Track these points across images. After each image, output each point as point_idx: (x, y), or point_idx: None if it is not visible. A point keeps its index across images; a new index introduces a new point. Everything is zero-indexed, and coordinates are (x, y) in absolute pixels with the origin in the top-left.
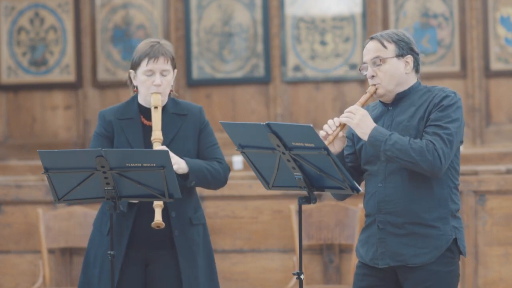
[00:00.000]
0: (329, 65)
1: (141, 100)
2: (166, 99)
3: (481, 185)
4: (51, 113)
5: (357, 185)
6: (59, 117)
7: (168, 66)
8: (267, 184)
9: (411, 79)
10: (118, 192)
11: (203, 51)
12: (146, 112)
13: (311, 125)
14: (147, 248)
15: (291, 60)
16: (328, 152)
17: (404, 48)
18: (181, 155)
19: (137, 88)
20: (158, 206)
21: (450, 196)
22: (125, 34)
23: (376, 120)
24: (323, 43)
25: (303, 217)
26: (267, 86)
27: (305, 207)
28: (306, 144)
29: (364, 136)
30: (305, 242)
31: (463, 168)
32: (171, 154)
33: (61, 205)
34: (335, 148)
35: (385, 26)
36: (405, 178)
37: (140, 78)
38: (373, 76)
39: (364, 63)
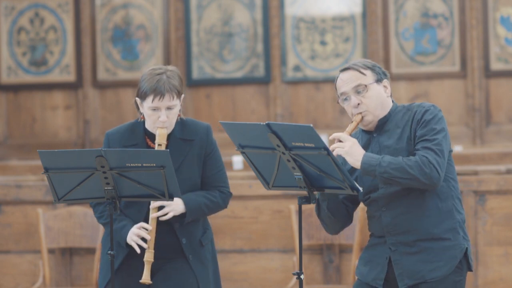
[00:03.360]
0: (329, 65)
1: (147, 125)
2: (173, 127)
3: (481, 185)
4: (51, 113)
5: (357, 185)
6: (59, 117)
7: (174, 102)
8: (267, 184)
9: (389, 103)
10: (118, 192)
11: (203, 51)
12: (152, 136)
13: (311, 125)
14: (157, 260)
15: (291, 60)
16: (328, 152)
17: (380, 73)
18: (186, 181)
19: (143, 115)
20: (147, 262)
21: (455, 207)
22: (125, 34)
23: (364, 148)
24: (323, 43)
25: (303, 217)
26: (267, 86)
27: (305, 207)
28: (306, 144)
29: (356, 164)
30: (305, 242)
31: (463, 168)
32: (167, 202)
33: (61, 205)
34: None
35: (385, 26)
36: (406, 199)
37: (146, 111)
38: (358, 104)
39: (343, 94)
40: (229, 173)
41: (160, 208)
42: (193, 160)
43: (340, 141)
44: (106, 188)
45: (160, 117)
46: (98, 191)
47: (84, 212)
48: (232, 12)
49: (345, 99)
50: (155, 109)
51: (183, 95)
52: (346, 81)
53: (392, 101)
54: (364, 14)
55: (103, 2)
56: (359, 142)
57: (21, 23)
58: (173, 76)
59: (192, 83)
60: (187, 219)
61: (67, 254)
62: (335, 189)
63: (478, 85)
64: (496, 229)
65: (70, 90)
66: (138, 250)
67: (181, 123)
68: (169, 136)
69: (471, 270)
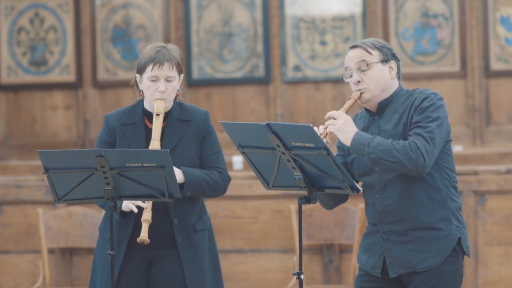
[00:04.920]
0: (329, 65)
1: (146, 104)
2: (171, 105)
3: (481, 185)
4: (51, 113)
5: (357, 185)
6: (59, 117)
7: (174, 73)
8: (267, 184)
9: (394, 85)
10: (118, 192)
11: (203, 51)
12: (151, 116)
13: (311, 125)
14: (148, 248)
15: (291, 60)
16: (328, 152)
17: (388, 54)
18: (183, 162)
19: (143, 92)
20: (145, 221)
21: (448, 195)
22: (125, 34)
23: (364, 130)
24: (323, 43)
25: (303, 217)
26: (267, 86)
27: (305, 207)
28: (306, 144)
29: (347, 141)
30: (305, 242)
31: (463, 168)
32: None
33: (61, 205)
34: None
35: (385, 26)
36: (401, 186)
37: (145, 83)
38: (358, 81)
39: (347, 70)
40: (229, 173)
41: None
42: (190, 141)
43: (334, 119)
44: (106, 188)
45: (159, 87)
46: (98, 191)
47: (84, 212)
48: (232, 12)
49: (349, 76)
50: (154, 79)
51: (182, 75)
52: (351, 58)
53: (400, 84)
54: (364, 14)
55: (103, 2)
56: (361, 123)
57: (21, 23)
58: (173, 50)
59: (192, 83)
60: (185, 192)
61: (67, 254)
62: (335, 189)
63: (478, 85)
64: (496, 229)
65: (70, 90)
66: (136, 210)
67: (180, 105)
68: (167, 116)
69: (467, 255)
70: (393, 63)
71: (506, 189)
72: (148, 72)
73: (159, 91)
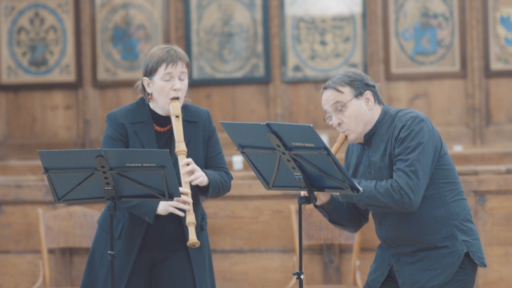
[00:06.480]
0: (329, 65)
1: (155, 107)
2: (183, 101)
3: (481, 185)
4: (51, 113)
5: (357, 185)
6: (59, 117)
7: (186, 70)
8: (267, 184)
9: (376, 114)
10: (118, 192)
11: (203, 51)
12: (157, 118)
13: (311, 125)
14: (157, 251)
15: (291, 60)
16: (328, 152)
17: (360, 87)
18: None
19: (151, 95)
20: (191, 224)
21: (450, 212)
22: (125, 34)
23: (358, 161)
24: (323, 43)
25: (303, 217)
26: (267, 86)
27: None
28: (306, 144)
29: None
30: (305, 242)
31: (463, 168)
32: (196, 167)
33: (61, 205)
34: (321, 199)
35: (385, 26)
36: (398, 214)
37: (157, 84)
38: (339, 123)
39: (326, 112)
40: None
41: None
42: (198, 142)
43: None
44: (106, 188)
45: (175, 85)
46: (98, 191)
47: (84, 212)
48: (232, 12)
49: (328, 118)
50: (168, 79)
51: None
52: (326, 100)
53: (383, 108)
54: (364, 14)
55: (103, 2)
56: (354, 154)
57: (21, 23)
58: (181, 50)
59: (192, 83)
60: (209, 194)
61: (67, 254)
62: (335, 189)
63: (478, 85)
64: (496, 229)
65: (70, 90)
66: (182, 214)
67: (184, 106)
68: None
69: (481, 266)
70: (368, 93)
71: (506, 189)
72: (161, 71)
73: (174, 88)
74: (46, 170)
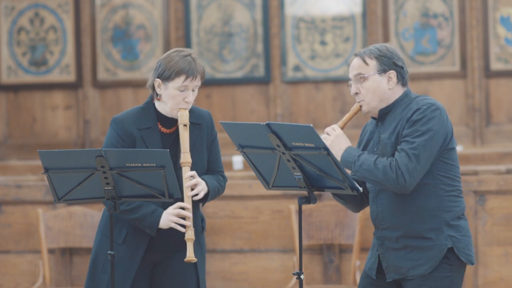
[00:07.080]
0: (329, 65)
1: (160, 108)
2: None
3: (481, 185)
4: (51, 113)
5: (357, 185)
6: (59, 117)
7: (200, 83)
8: (267, 184)
9: (396, 94)
10: (118, 192)
11: (203, 51)
12: (164, 120)
13: (311, 125)
14: (159, 252)
15: (291, 60)
16: (328, 152)
17: (386, 64)
18: (197, 165)
19: (160, 96)
20: (190, 240)
21: (442, 205)
22: (125, 34)
23: (371, 136)
24: (323, 43)
25: (303, 217)
26: (267, 86)
27: (305, 207)
28: (306, 144)
29: (337, 157)
30: (305, 242)
31: (463, 168)
32: (199, 180)
33: (61, 205)
34: None
35: (385, 26)
36: (392, 194)
37: (171, 91)
38: (356, 93)
39: (349, 79)
40: (229, 173)
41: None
42: (202, 144)
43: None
44: (106, 188)
45: (188, 98)
46: (98, 191)
47: (84, 212)
48: (232, 12)
49: (350, 85)
50: (183, 89)
51: None
52: (351, 67)
53: (406, 90)
54: (364, 14)
55: (103, 2)
56: (368, 131)
57: (21, 23)
58: (198, 59)
59: None
60: (208, 201)
61: (67, 254)
62: (335, 189)
63: (478, 85)
64: (496, 229)
65: (70, 90)
66: (183, 230)
67: None
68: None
69: (469, 263)
70: (392, 73)
71: (506, 189)
72: (179, 82)
73: (187, 101)
74: (46, 170)
